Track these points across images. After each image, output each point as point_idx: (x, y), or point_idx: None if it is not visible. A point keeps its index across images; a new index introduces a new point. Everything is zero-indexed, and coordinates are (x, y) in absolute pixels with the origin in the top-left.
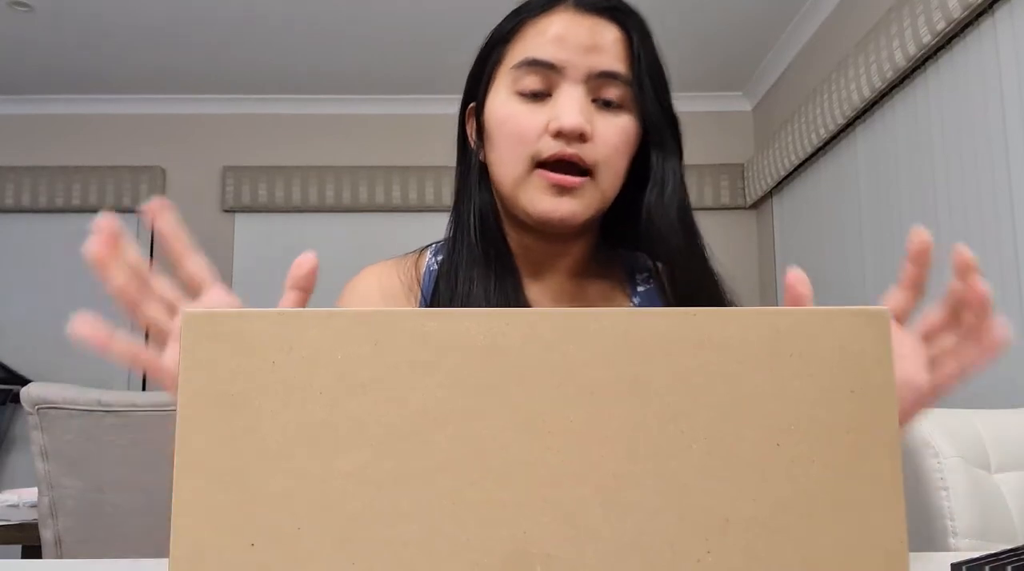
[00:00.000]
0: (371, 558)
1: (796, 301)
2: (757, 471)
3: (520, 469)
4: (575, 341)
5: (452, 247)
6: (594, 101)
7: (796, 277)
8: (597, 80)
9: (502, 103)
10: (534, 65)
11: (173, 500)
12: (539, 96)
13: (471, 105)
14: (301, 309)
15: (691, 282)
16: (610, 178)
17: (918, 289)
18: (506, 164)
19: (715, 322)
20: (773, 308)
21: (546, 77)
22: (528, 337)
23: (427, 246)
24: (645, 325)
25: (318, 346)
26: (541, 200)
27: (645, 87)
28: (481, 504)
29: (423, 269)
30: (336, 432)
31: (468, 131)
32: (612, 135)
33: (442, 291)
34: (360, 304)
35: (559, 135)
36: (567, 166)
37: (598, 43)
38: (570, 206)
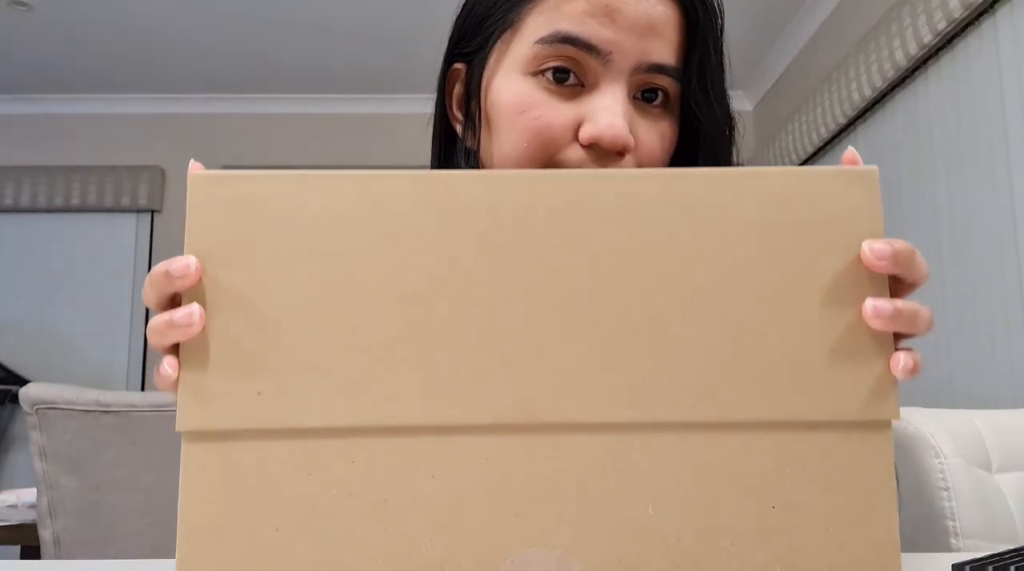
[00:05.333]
0: (374, 407)
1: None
2: (751, 328)
3: (519, 328)
4: (572, 204)
5: None
6: (634, 97)
7: (853, 157)
8: (645, 74)
9: (516, 86)
10: (569, 44)
11: (180, 353)
12: (566, 83)
13: (456, 67)
14: (306, 172)
15: None
16: None
17: None
18: (517, 165)
19: (709, 183)
20: (764, 168)
21: (582, 62)
22: (527, 200)
23: None
24: (641, 188)
25: (322, 209)
26: None
27: (708, 88)
28: (482, 362)
29: None
30: (339, 292)
31: (450, 102)
32: (653, 146)
33: None
34: None
35: (593, 146)
36: None
37: (654, 22)
38: None
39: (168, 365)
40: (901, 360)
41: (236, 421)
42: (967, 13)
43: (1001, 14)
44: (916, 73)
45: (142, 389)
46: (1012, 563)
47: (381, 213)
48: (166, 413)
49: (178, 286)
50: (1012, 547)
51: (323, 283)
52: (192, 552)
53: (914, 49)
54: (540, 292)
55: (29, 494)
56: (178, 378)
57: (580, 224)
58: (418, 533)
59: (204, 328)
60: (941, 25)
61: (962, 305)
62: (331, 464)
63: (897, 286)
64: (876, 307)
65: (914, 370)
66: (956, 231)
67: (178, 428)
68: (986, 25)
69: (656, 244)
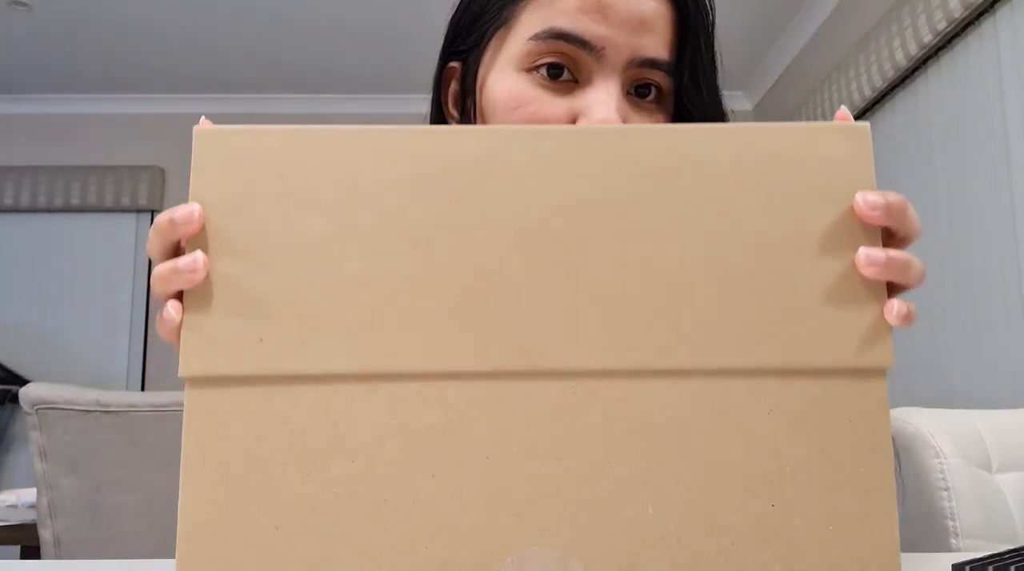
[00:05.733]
0: (374, 354)
1: None
2: (747, 276)
3: (517, 277)
4: (570, 157)
5: None
6: (627, 93)
7: (845, 114)
8: (638, 69)
9: (511, 82)
10: (563, 40)
11: (184, 300)
12: (560, 79)
13: (451, 65)
14: (308, 126)
15: None
16: None
17: None
18: None
19: (707, 138)
20: (759, 123)
21: (576, 58)
22: (527, 153)
23: None
24: (640, 142)
25: (324, 161)
26: None
27: (700, 84)
28: (481, 310)
29: None
30: (340, 241)
31: (446, 100)
32: None
33: None
34: None
35: None
36: None
37: (646, 17)
38: None
39: (172, 309)
40: (895, 307)
41: (238, 367)
42: (967, 13)
43: (1001, 14)
44: (916, 73)
45: (142, 389)
46: (1012, 563)
47: (383, 164)
48: (166, 413)
49: (182, 233)
50: (1012, 547)
51: (325, 232)
52: (192, 552)
53: (914, 49)
54: (538, 242)
55: (29, 494)
56: (181, 324)
57: (578, 176)
58: (418, 533)
59: (208, 275)
60: (941, 25)
61: (962, 305)
62: (330, 462)
63: (890, 241)
64: (869, 255)
65: (908, 317)
66: (956, 231)
67: (181, 373)
68: (986, 25)
69: (653, 195)
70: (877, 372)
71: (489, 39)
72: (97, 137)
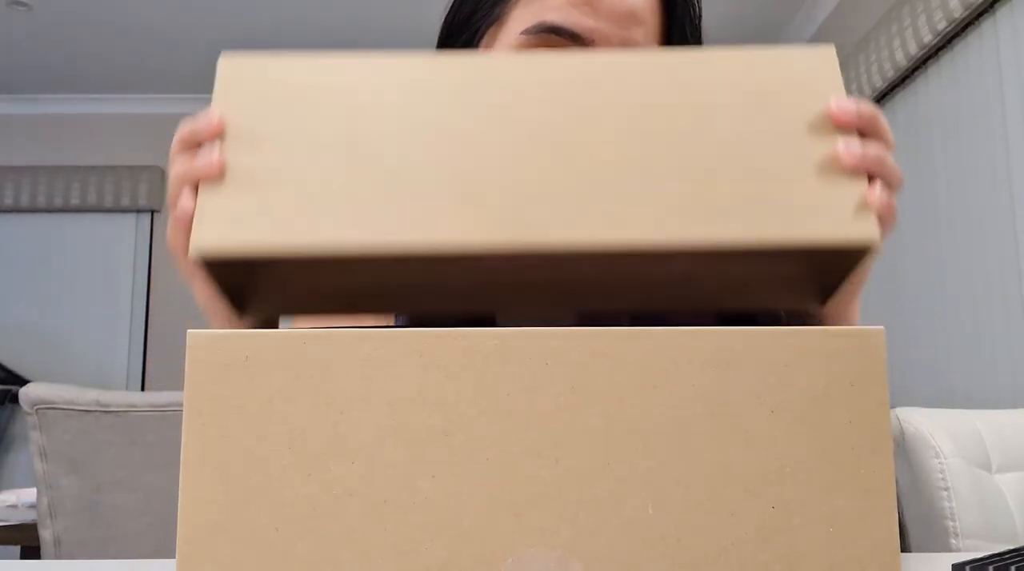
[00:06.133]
0: (378, 226)
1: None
2: (734, 161)
3: (516, 162)
4: (567, 73)
5: None
6: None
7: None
8: None
9: None
10: (554, 34)
11: (200, 187)
12: None
13: None
14: (331, 58)
15: None
16: None
17: None
18: None
19: (688, 56)
20: (735, 48)
21: (567, 50)
22: (528, 68)
23: None
24: (624, 61)
25: (346, 90)
26: None
27: None
28: (481, 189)
29: None
30: (351, 132)
31: None
32: None
33: None
34: None
35: None
36: None
37: (635, 10)
38: None
39: (187, 197)
40: (877, 191)
41: (250, 240)
42: (967, 13)
43: (1001, 14)
44: (916, 73)
45: (142, 389)
46: (1012, 563)
47: (408, 91)
48: (166, 413)
49: (203, 136)
50: (1012, 547)
51: (337, 127)
52: (192, 552)
53: (914, 49)
54: (536, 132)
55: (29, 494)
56: (194, 213)
57: (578, 89)
58: (418, 533)
59: (224, 169)
60: (941, 25)
61: (962, 305)
62: (330, 463)
63: None
64: (848, 146)
65: (890, 208)
66: (956, 231)
67: (192, 249)
68: (986, 25)
69: (644, 103)
70: (874, 332)
71: (482, 36)
72: (97, 137)
